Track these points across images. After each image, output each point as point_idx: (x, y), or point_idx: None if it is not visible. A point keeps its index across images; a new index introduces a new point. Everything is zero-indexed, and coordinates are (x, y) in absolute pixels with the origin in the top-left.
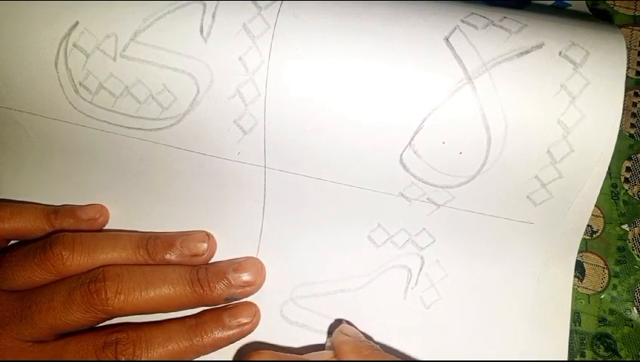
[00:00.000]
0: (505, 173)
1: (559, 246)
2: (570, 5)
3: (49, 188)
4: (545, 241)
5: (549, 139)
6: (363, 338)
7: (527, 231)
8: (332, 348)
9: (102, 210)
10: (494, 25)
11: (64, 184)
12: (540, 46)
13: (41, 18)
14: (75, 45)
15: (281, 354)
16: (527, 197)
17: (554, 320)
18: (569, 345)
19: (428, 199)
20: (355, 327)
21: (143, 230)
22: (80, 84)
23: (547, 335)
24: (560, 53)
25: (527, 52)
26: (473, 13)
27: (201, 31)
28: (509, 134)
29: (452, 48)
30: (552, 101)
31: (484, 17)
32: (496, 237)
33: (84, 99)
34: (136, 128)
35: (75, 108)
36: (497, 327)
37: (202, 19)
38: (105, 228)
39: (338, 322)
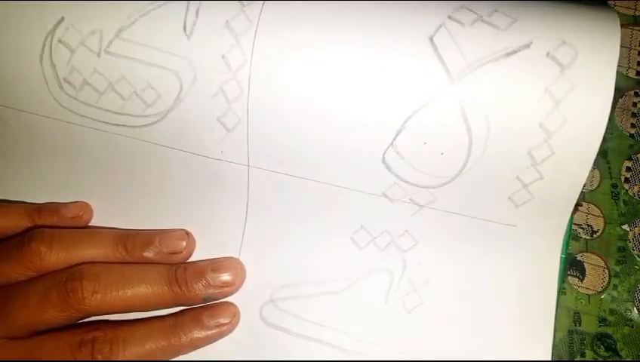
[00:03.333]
0: (486, 174)
1: (542, 248)
2: None
3: (32, 185)
4: (528, 244)
5: (531, 142)
6: None
7: (509, 234)
8: None
9: (85, 208)
10: (482, 21)
11: (47, 181)
12: (527, 45)
13: (26, 13)
14: (60, 41)
15: None
16: (509, 198)
17: (538, 324)
18: (569, 345)
19: (410, 200)
20: None
21: (126, 227)
22: (64, 79)
23: (531, 339)
24: (547, 54)
25: (513, 52)
26: (463, 7)
27: (185, 28)
28: (491, 136)
29: (436, 49)
30: (535, 105)
31: (473, 12)
32: (479, 240)
33: (68, 95)
34: (120, 125)
35: (59, 104)
36: (479, 332)
37: (186, 17)
38: (89, 225)
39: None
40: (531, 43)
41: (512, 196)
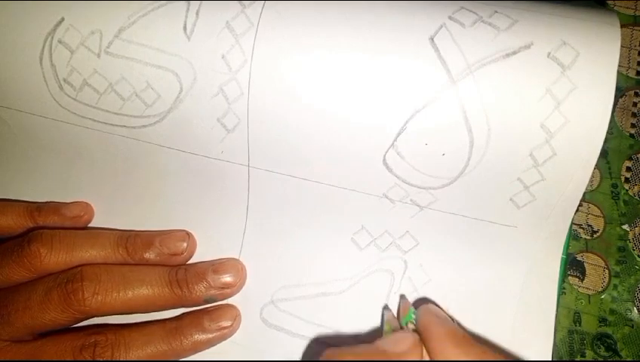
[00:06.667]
0: (487, 175)
1: (543, 249)
2: None
3: (33, 185)
4: (528, 245)
5: (532, 143)
6: (452, 323)
7: (510, 235)
8: (416, 329)
9: (86, 208)
10: (483, 22)
11: (48, 181)
12: (528, 46)
13: (27, 13)
14: (60, 41)
15: (357, 349)
16: (510, 199)
17: (538, 325)
18: (569, 345)
19: (411, 201)
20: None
21: (126, 228)
22: (64, 80)
23: (531, 340)
24: (548, 55)
25: (514, 53)
26: (462, 8)
27: (185, 29)
28: (492, 137)
29: (437, 49)
30: (536, 105)
31: (474, 13)
32: (479, 241)
33: (68, 95)
34: (120, 125)
35: (59, 104)
36: (479, 331)
37: (186, 17)
38: (89, 226)
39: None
40: (532, 44)
41: (514, 197)
